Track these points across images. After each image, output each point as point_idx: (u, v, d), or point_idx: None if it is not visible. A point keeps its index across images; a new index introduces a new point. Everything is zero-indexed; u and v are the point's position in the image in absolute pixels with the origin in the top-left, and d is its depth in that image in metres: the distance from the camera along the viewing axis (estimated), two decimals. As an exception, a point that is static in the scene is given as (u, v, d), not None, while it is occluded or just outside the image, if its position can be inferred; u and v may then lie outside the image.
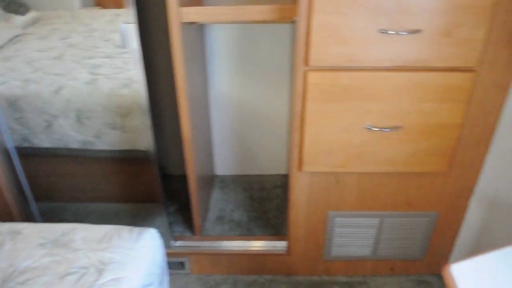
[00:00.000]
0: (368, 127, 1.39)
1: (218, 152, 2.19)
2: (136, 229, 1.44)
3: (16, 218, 1.79)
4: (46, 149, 2.15)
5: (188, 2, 1.45)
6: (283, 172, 2.23)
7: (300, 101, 1.38)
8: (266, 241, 1.84)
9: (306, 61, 1.31)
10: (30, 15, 3.21)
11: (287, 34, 1.84)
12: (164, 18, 1.90)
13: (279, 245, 1.82)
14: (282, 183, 2.16)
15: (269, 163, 2.20)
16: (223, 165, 2.23)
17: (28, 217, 1.85)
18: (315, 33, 1.25)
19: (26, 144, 2.18)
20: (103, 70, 2.24)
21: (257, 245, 1.84)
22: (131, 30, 1.45)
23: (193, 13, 1.42)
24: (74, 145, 2.10)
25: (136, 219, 2.06)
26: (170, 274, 1.82)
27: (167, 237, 1.90)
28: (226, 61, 1.92)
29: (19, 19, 3.12)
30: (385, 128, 1.38)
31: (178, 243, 1.89)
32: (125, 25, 1.45)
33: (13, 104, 2.11)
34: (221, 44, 1.88)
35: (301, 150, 1.46)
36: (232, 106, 2.03)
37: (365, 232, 1.70)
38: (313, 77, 1.32)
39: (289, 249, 1.78)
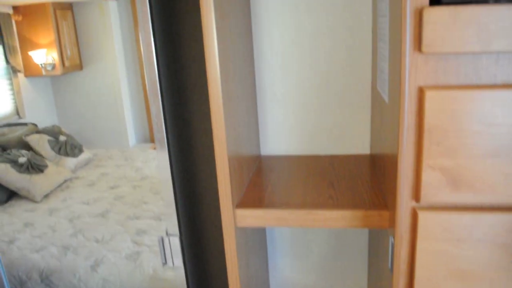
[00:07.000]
0: None
1: None
2: None
3: None
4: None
5: (245, 196, 1.14)
6: None
7: None
8: None
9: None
10: (82, 156, 3.10)
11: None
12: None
13: None
14: None
15: None
16: None
17: None
18: (420, 267, 0.88)
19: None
20: (147, 239, 1.95)
21: None
22: (174, 245, 1.11)
23: (250, 217, 1.10)
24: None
25: None
26: None
27: None
28: (287, 246, 1.58)
29: (70, 162, 3.00)
30: None
31: None
32: (165, 238, 1.12)
33: (45, 279, 1.84)
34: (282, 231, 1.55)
35: None
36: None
37: None
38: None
39: None
